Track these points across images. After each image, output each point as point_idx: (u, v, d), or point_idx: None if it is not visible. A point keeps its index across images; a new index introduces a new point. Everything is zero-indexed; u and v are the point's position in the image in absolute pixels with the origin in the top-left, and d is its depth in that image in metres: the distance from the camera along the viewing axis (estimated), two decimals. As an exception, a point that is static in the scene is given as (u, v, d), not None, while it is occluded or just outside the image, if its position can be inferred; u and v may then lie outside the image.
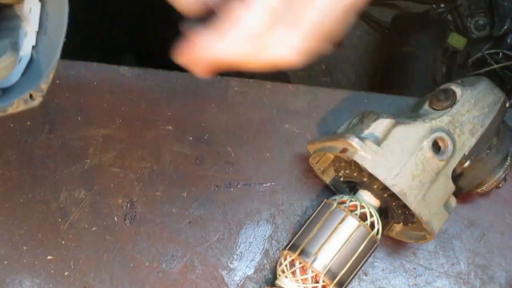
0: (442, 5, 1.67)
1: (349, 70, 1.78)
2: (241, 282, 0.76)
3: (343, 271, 0.67)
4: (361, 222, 0.68)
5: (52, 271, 0.75)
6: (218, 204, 0.78)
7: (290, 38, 0.46)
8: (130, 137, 0.80)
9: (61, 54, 0.57)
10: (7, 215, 0.76)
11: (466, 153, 0.68)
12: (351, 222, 0.68)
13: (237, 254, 0.77)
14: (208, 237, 0.77)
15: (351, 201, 0.70)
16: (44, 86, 0.51)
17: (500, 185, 0.73)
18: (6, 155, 0.78)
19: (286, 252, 0.70)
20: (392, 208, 0.71)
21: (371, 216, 0.70)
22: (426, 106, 0.70)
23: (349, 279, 0.69)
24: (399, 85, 1.49)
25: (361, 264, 0.69)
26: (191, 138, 0.81)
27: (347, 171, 0.72)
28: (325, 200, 0.71)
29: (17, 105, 0.50)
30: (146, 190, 0.78)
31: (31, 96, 0.50)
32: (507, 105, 0.72)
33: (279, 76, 1.64)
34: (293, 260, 0.68)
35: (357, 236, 0.68)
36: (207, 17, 0.48)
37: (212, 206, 0.78)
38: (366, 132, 0.67)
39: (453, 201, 0.69)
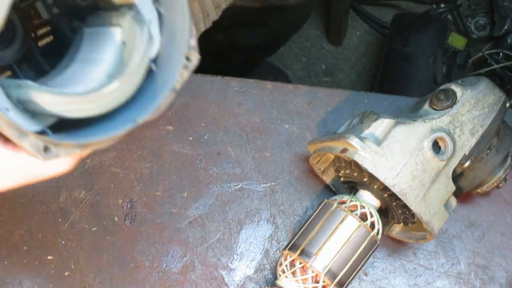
0: (442, 5, 1.68)
1: (349, 70, 1.78)
2: (241, 282, 0.76)
3: (343, 271, 0.67)
4: (361, 222, 0.68)
5: (52, 271, 0.75)
6: (218, 204, 0.78)
7: None
8: (130, 137, 0.80)
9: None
10: (7, 215, 0.76)
11: (466, 153, 0.68)
12: (352, 222, 0.68)
13: (237, 254, 0.77)
14: (208, 237, 0.77)
15: (351, 201, 0.70)
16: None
17: (500, 185, 0.73)
18: (6, 155, 0.78)
19: (286, 252, 0.70)
20: (392, 208, 0.71)
21: (371, 216, 0.69)
22: (426, 106, 0.70)
23: (349, 279, 0.69)
24: (399, 85, 1.49)
25: (361, 264, 0.69)
26: (191, 138, 0.81)
27: (347, 171, 0.72)
28: (325, 200, 0.71)
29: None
30: (146, 190, 0.78)
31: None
32: (507, 105, 0.72)
33: (279, 76, 1.65)
34: (293, 260, 0.68)
35: (357, 236, 0.68)
36: None
37: (212, 206, 0.78)
38: (366, 132, 0.67)
39: (453, 201, 0.69)
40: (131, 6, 0.45)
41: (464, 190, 0.72)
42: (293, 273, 0.68)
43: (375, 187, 0.70)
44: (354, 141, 0.66)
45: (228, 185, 0.79)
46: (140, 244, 0.76)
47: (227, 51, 1.29)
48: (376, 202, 0.71)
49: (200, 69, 0.54)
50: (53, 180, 0.78)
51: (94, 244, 0.76)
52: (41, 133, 0.42)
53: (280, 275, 0.70)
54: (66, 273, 0.75)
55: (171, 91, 0.46)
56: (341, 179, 0.75)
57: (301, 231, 0.70)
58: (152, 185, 0.78)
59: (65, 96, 0.42)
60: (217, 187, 0.79)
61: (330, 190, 0.78)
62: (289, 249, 0.69)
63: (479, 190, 0.73)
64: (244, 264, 0.76)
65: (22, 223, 0.76)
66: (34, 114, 0.42)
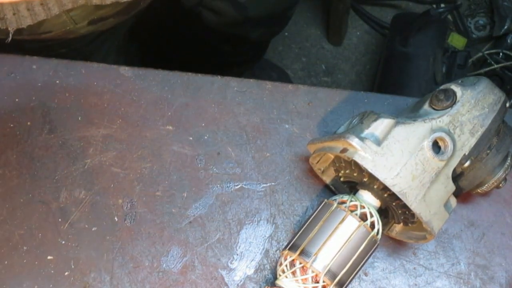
0: (442, 5, 1.68)
1: (349, 70, 1.78)
2: (241, 282, 0.76)
3: (343, 271, 0.67)
4: (361, 222, 0.68)
5: (52, 271, 0.75)
6: (218, 204, 0.78)
7: None
8: (130, 137, 0.80)
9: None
10: (7, 215, 0.76)
11: (466, 153, 0.68)
12: (351, 222, 0.68)
13: (237, 254, 0.77)
14: (208, 237, 0.77)
15: (351, 201, 0.70)
16: None
17: (500, 185, 0.73)
18: (6, 155, 0.79)
19: (286, 252, 0.70)
20: (392, 208, 0.71)
21: (371, 216, 0.69)
22: (426, 106, 0.70)
23: (349, 279, 0.69)
24: (399, 85, 1.50)
25: (361, 264, 0.69)
26: (191, 138, 0.81)
27: (347, 171, 0.72)
28: (325, 200, 0.71)
29: None
30: (146, 190, 0.78)
31: None
32: (507, 105, 0.72)
33: (282, 74, 1.65)
34: (293, 260, 0.68)
35: (357, 236, 0.68)
36: None
37: (212, 206, 0.78)
38: (366, 132, 0.67)
39: (453, 201, 0.69)
40: None
41: (464, 190, 0.72)
42: (293, 273, 0.68)
43: (375, 187, 0.70)
44: (354, 141, 0.66)
45: (228, 185, 0.79)
46: (140, 244, 0.76)
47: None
48: (376, 202, 0.71)
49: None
50: (53, 180, 0.78)
51: (94, 244, 0.76)
52: None
53: (280, 275, 0.70)
54: (66, 273, 0.75)
55: None
56: (341, 179, 0.75)
57: (301, 231, 0.70)
58: (152, 185, 0.79)
59: None
60: (217, 187, 0.79)
61: (330, 190, 0.79)
62: (289, 249, 0.69)
63: (479, 190, 0.73)
64: (244, 264, 0.76)
65: (22, 223, 0.76)
66: None
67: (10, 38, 0.80)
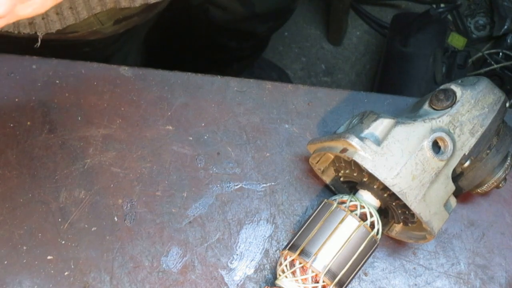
0: (442, 5, 1.68)
1: (349, 70, 1.78)
2: (241, 282, 0.76)
3: (343, 271, 0.67)
4: (361, 222, 0.68)
5: (52, 271, 0.75)
6: (218, 204, 0.78)
7: None
8: (130, 137, 0.80)
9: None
10: (7, 215, 0.76)
11: (466, 153, 0.68)
12: (351, 222, 0.68)
13: (237, 254, 0.77)
14: (208, 237, 0.77)
15: (351, 201, 0.70)
16: None
17: (500, 185, 0.73)
18: (6, 155, 0.78)
19: (286, 252, 0.70)
20: (392, 208, 0.71)
21: (371, 216, 0.69)
22: (426, 106, 0.70)
23: (349, 279, 0.69)
24: (399, 85, 1.50)
25: (361, 264, 0.69)
26: (191, 138, 0.81)
27: (347, 171, 0.72)
28: (325, 200, 0.71)
29: None
30: (146, 190, 0.78)
31: None
32: (507, 105, 0.72)
33: (282, 74, 1.66)
34: (293, 260, 0.68)
35: (357, 236, 0.68)
36: None
37: (212, 206, 0.78)
38: (366, 132, 0.67)
39: (453, 201, 0.69)
40: None
41: (464, 190, 0.72)
42: (293, 273, 0.68)
43: (375, 187, 0.70)
44: (354, 141, 0.66)
45: (228, 185, 0.79)
46: (140, 244, 0.76)
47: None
48: (376, 202, 0.71)
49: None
50: (53, 180, 0.78)
51: (94, 244, 0.76)
52: None
53: (280, 275, 0.70)
54: (66, 273, 0.75)
55: None
56: (341, 179, 0.75)
57: (300, 231, 0.70)
58: (152, 185, 0.78)
59: None
60: (217, 187, 0.79)
61: (330, 190, 0.79)
62: (289, 249, 0.69)
63: (479, 190, 0.73)
64: (244, 264, 0.76)
65: (22, 223, 0.76)
66: None
67: (39, 43, 0.79)
